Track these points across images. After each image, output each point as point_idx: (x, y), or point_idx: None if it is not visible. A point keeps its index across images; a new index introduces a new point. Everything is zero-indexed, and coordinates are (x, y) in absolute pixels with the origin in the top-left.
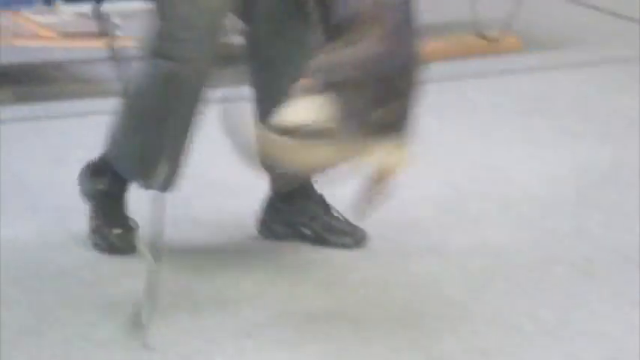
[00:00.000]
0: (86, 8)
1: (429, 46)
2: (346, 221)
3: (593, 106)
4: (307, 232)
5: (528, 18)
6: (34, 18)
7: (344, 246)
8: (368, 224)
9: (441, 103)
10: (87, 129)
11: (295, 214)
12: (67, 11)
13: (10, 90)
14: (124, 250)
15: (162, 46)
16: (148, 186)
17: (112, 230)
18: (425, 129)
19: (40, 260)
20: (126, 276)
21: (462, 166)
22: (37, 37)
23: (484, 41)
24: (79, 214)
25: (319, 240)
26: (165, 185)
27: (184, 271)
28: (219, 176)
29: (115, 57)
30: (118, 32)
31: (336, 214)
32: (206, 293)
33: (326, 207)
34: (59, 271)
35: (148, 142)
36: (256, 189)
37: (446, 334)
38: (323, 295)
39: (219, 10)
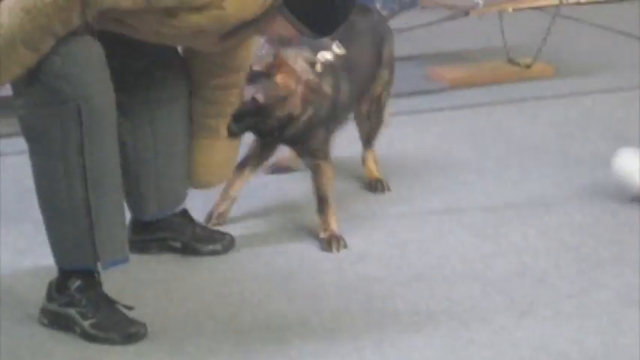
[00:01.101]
0: None
1: (461, 72)
2: (212, 230)
3: (626, 131)
4: (176, 244)
5: (559, 44)
6: None
7: (214, 253)
8: (410, 253)
9: (474, 130)
10: None
11: (164, 230)
12: None
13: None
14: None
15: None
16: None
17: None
18: (461, 155)
19: None
20: None
21: (500, 193)
22: None
23: (516, 68)
24: None
25: (188, 250)
26: (125, 251)
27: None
28: None
29: None
30: None
31: (200, 225)
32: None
33: (190, 219)
34: None
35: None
36: None
37: None
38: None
39: None
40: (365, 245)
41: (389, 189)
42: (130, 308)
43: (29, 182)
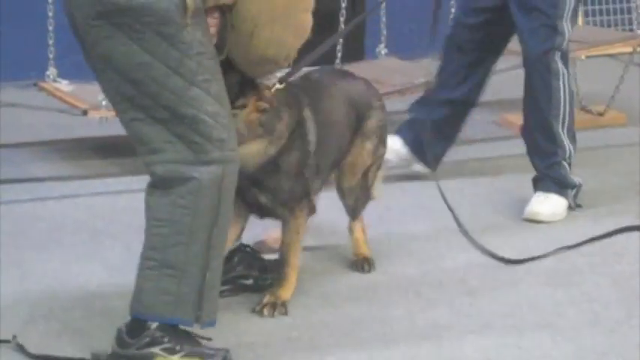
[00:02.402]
0: None
1: None
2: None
3: None
4: (247, 282)
5: (632, 92)
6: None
7: None
8: (480, 300)
9: None
10: None
11: (230, 270)
12: None
13: (119, 162)
14: None
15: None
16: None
17: None
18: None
19: None
20: None
21: (572, 240)
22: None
23: (588, 115)
24: None
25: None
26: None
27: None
28: None
29: None
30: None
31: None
32: None
33: (252, 253)
34: None
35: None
36: None
37: None
38: None
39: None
40: (435, 292)
41: (374, 268)
42: (208, 339)
43: (101, 224)
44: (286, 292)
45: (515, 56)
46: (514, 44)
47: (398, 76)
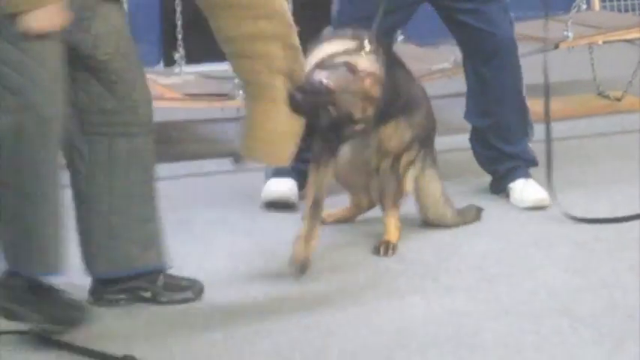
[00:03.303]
0: (208, 69)
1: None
2: (182, 278)
3: None
4: (146, 294)
5: None
6: (157, 79)
7: (188, 300)
8: (498, 287)
9: (563, 162)
10: (210, 188)
11: (136, 278)
12: (189, 72)
13: None
14: None
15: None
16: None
17: None
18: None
19: None
20: None
21: (589, 227)
22: (161, 98)
23: (606, 101)
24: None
25: (158, 299)
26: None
27: None
28: None
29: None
30: (239, 93)
31: (169, 273)
32: None
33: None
34: None
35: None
36: None
37: None
38: None
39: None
40: (453, 279)
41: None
42: None
43: None
44: (393, 236)
45: (533, 42)
46: (531, 30)
47: (415, 63)
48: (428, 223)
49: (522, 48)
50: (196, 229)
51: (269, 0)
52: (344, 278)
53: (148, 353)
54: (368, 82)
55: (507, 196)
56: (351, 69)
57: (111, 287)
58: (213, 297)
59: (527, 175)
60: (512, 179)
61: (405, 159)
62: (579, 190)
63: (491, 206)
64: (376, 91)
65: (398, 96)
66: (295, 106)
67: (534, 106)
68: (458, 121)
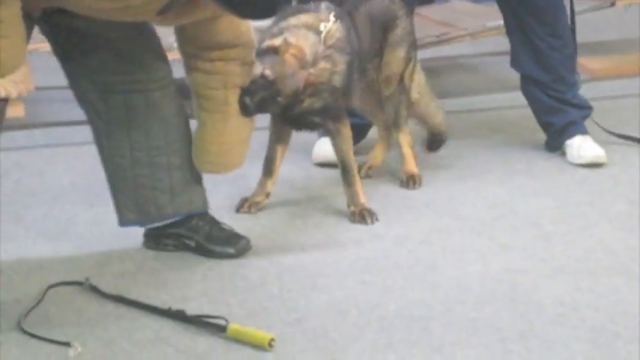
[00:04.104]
0: None
1: (606, 63)
2: (229, 232)
3: None
4: (190, 243)
5: None
6: None
7: (227, 255)
8: (554, 245)
9: (619, 122)
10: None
11: (178, 226)
12: None
13: None
14: None
15: None
16: None
17: None
18: (605, 147)
19: None
20: None
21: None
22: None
23: None
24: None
25: (201, 250)
26: None
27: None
28: None
29: None
30: None
31: (220, 225)
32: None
33: (208, 218)
34: None
35: None
36: None
37: None
38: None
39: None
40: (509, 236)
41: (420, 185)
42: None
43: None
44: (360, 198)
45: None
46: None
47: (469, 19)
48: (417, 117)
49: (579, 5)
50: (252, 183)
51: (238, 31)
52: (399, 234)
53: (205, 306)
54: (292, 53)
55: (563, 153)
56: (274, 49)
57: (159, 232)
58: (269, 251)
59: (584, 132)
60: (570, 135)
61: (407, 74)
62: (635, 148)
63: (547, 164)
64: (305, 58)
65: (377, 38)
66: (247, 111)
67: (590, 63)
68: (513, 79)
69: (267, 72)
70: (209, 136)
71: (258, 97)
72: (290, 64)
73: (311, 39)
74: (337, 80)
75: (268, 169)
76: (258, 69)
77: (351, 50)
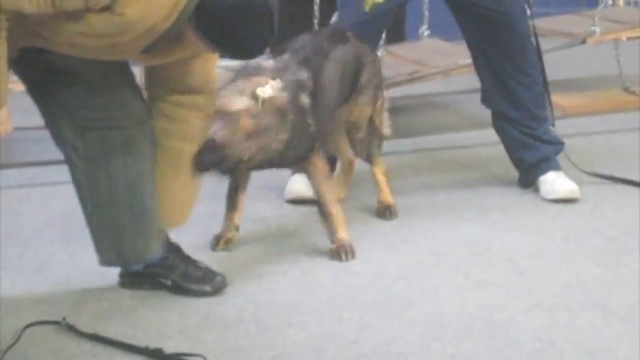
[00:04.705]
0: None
1: (577, 100)
2: (204, 269)
3: None
4: (166, 282)
5: None
6: None
7: (203, 293)
8: (530, 280)
9: (590, 158)
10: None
11: (154, 266)
12: None
13: None
14: None
15: None
16: None
17: None
18: (579, 184)
19: None
20: None
21: (620, 221)
22: None
23: (631, 97)
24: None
25: (178, 289)
26: None
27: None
28: None
29: None
30: None
31: (195, 263)
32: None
33: (184, 257)
34: None
35: None
36: None
37: None
38: None
39: None
40: (485, 272)
41: (396, 216)
42: None
43: None
44: (342, 233)
45: (560, 37)
46: (558, 25)
47: (441, 57)
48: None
49: (550, 43)
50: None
51: (208, 75)
52: (375, 270)
53: (182, 344)
54: (243, 120)
55: (537, 189)
56: (224, 114)
57: (134, 272)
58: (245, 288)
59: (557, 168)
60: (543, 172)
61: (375, 114)
62: (609, 185)
63: (521, 200)
64: (255, 125)
65: (348, 84)
66: (198, 169)
67: (562, 101)
68: (485, 116)
69: (216, 137)
70: (159, 191)
71: (207, 158)
72: (241, 131)
73: (252, 107)
74: (280, 146)
75: (232, 202)
76: (212, 129)
77: (296, 110)
